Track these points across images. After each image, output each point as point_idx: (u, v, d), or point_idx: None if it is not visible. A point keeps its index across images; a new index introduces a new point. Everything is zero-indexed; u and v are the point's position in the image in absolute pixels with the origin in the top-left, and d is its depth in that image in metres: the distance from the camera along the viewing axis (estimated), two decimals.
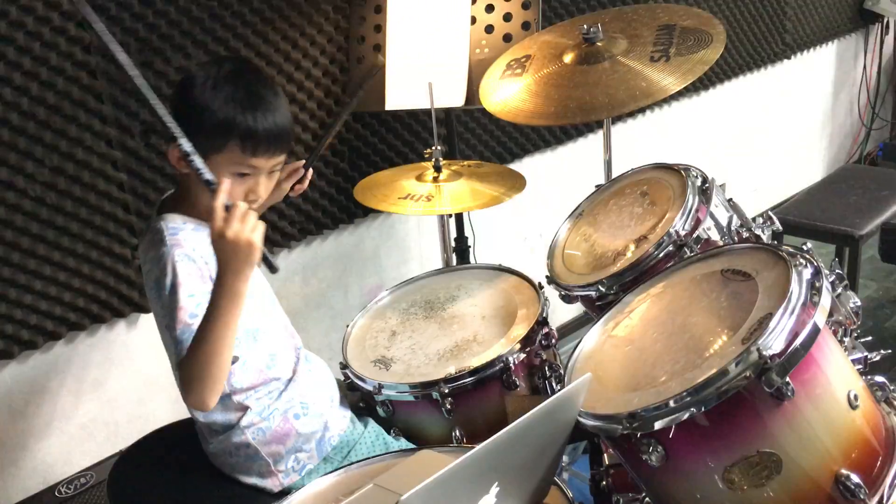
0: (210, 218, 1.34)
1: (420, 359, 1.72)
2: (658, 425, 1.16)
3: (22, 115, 1.91)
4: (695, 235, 1.59)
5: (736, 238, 1.65)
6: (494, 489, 1.05)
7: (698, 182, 1.68)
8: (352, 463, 1.45)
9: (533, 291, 1.82)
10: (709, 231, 1.63)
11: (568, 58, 2.04)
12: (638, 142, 3.31)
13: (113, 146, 2.06)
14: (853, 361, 1.32)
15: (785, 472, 1.14)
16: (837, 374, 1.20)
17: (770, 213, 1.71)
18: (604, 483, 1.52)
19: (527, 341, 1.68)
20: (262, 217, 1.41)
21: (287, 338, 1.67)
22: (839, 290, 1.38)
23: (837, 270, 1.41)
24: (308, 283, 2.58)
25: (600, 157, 2.33)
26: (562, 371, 1.65)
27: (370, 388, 1.67)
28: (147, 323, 2.24)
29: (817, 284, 1.21)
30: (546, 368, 1.70)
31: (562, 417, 1.16)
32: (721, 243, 1.61)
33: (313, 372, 1.68)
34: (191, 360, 1.38)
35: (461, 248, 2.53)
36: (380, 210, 2.14)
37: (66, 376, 2.15)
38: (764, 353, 1.11)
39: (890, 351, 1.46)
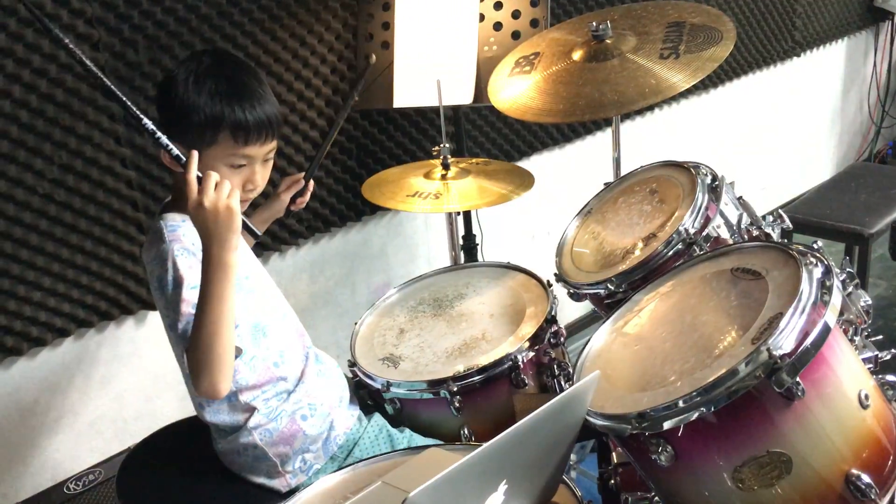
0: (185, 192, 1.34)
1: (428, 357, 1.72)
2: (667, 425, 1.16)
3: (31, 113, 1.91)
4: (704, 233, 1.58)
5: (746, 236, 1.64)
6: (503, 487, 1.05)
7: (708, 180, 1.67)
8: (360, 461, 1.45)
9: (541, 289, 1.82)
10: (718, 229, 1.62)
11: (577, 55, 2.04)
12: (647, 139, 3.30)
13: (122, 143, 2.06)
14: (864, 360, 1.31)
15: (795, 471, 1.13)
16: (848, 373, 1.19)
17: (780, 211, 1.70)
18: (612, 482, 1.52)
19: (535, 339, 1.67)
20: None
21: (296, 337, 1.67)
22: (850, 289, 1.37)
23: (848, 269, 1.40)
24: (315, 280, 2.58)
25: (609, 155, 2.32)
26: (570, 369, 1.65)
27: (378, 386, 1.67)
28: (155, 320, 2.24)
29: (828, 283, 1.20)
30: (555, 367, 1.70)
31: (570, 416, 1.15)
32: (731, 242, 1.61)
33: (324, 373, 1.68)
34: (194, 348, 1.38)
35: (469, 246, 2.53)
36: (388, 207, 2.14)
37: (74, 373, 2.16)
38: (774, 352, 1.11)
39: None
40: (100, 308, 2.12)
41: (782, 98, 3.92)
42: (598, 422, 1.24)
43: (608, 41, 2.01)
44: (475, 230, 2.56)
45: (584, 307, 2.97)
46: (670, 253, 1.58)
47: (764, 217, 1.74)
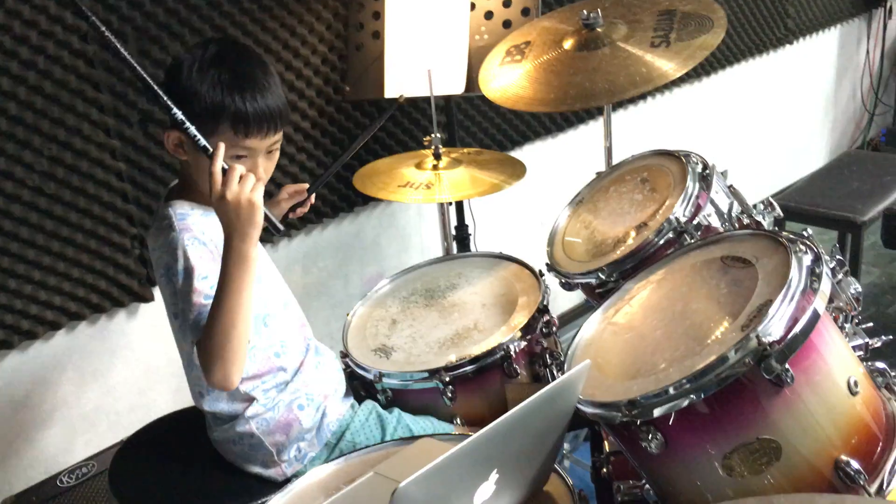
0: (209, 183, 1.34)
1: (421, 347, 1.72)
2: (657, 412, 1.16)
3: (19, 105, 1.90)
4: (695, 222, 1.59)
5: (736, 225, 1.64)
6: (494, 476, 1.05)
7: (699, 168, 1.67)
8: (352, 451, 1.45)
9: (533, 279, 1.82)
10: (709, 218, 1.62)
11: (568, 44, 2.03)
12: (638, 128, 3.30)
13: (111, 135, 2.05)
14: (854, 348, 1.31)
15: (784, 458, 1.13)
16: (837, 360, 1.20)
17: (771, 199, 1.70)
18: (604, 470, 1.52)
19: (527, 329, 1.67)
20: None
21: (297, 328, 1.67)
22: (840, 276, 1.37)
23: (838, 256, 1.40)
24: (308, 272, 2.57)
25: (600, 144, 2.32)
26: (562, 359, 1.65)
27: (371, 376, 1.67)
28: (147, 312, 2.24)
29: (817, 271, 1.20)
30: (547, 356, 1.70)
31: (561, 405, 1.16)
32: (721, 230, 1.61)
33: (322, 365, 1.68)
34: (209, 338, 1.38)
35: (461, 236, 2.53)
36: (379, 198, 2.14)
37: (66, 366, 2.15)
38: (763, 339, 1.11)
39: (891, 337, 1.45)
40: (91, 301, 2.12)
41: (775, 86, 3.92)
42: (589, 410, 1.25)
43: (599, 30, 2.01)
44: (468, 220, 2.55)
45: (577, 297, 2.97)
46: (661, 242, 1.58)
47: (755, 205, 1.74)
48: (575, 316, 3.19)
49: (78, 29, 1.94)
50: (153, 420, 1.83)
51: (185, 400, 1.61)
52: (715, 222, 1.63)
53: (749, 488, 1.16)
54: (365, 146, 2.54)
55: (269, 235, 2.41)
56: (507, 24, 2.24)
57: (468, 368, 1.62)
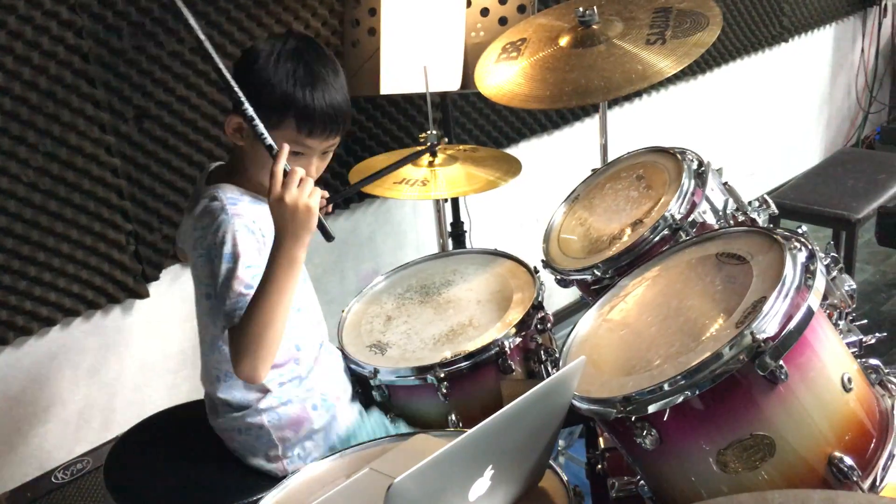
0: (269, 182, 1.36)
1: (416, 343, 1.72)
2: (652, 409, 1.16)
3: (14, 100, 1.90)
4: (690, 219, 1.59)
5: (731, 222, 1.65)
6: (489, 472, 1.06)
7: (694, 165, 1.68)
8: (347, 447, 1.45)
9: (529, 276, 1.82)
10: (704, 215, 1.62)
11: (563, 41, 2.03)
12: (634, 126, 3.30)
13: (106, 131, 2.05)
14: (848, 345, 1.31)
15: (778, 454, 1.14)
16: (831, 356, 1.20)
17: (766, 196, 1.71)
18: (599, 466, 1.52)
19: (522, 325, 1.67)
20: None
21: (314, 326, 1.68)
22: (834, 273, 1.37)
23: (832, 253, 1.40)
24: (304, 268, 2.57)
25: (596, 141, 2.32)
26: (558, 355, 1.65)
27: (366, 372, 1.67)
28: (143, 309, 2.24)
29: (812, 267, 1.21)
30: (542, 353, 1.70)
31: (556, 401, 1.16)
32: (717, 227, 1.61)
33: (332, 363, 1.69)
34: (244, 330, 1.38)
35: (457, 233, 2.53)
36: (375, 195, 2.14)
37: (61, 362, 2.15)
38: (758, 336, 1.11)
39: (885, 334, 1.46)
40: (86, 297, 2.11)
41: (770, 84, 3.93)
42: (584, 406, 1.25)
43: (595, 27, 2.01)
44: (463, 217, 2.56)
45: (572, 294, 2.97)
46: (656, 238, 1.59)
47: (750, 203, 1.75)
48: (570, 312, 3.19)
49: (72, 24, 1.94)
50: (148, 416, 1.83)
51: (180, 396, 1.62)
52: (710, 219, 1.63)
53: (743, 484, 1.16)
54: (360, 142, 2.54)
55: None
56: (503, 21, 2.24)
57: (463, 365, 1.62)
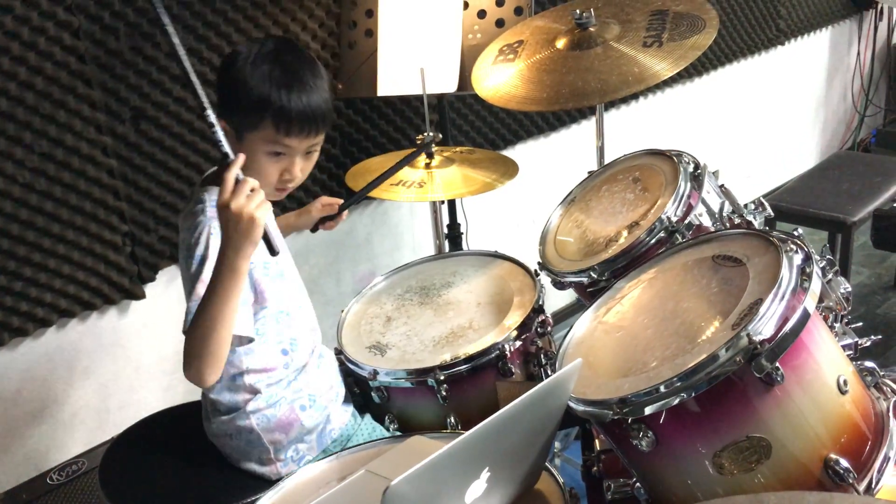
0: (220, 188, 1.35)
1: (415, 345, 1.72)
2: (648, 410, 1.16)
3: (10, 101, 1.90)
4: (686, 221, 1.59)
5: (727, 224, 1.65)
6: (485, 474, 1.06)
7: (690, 168, 1.68)
8: (344, 449, 1.45)
9: (529, 278, 1.82)
10: (700, 217, 1.62)
11: (560, 43, 2.04)
12: (630, 128, 3.31)
13: (103, 132, 2.04)
14: (844, 347, 1.31)
15: (774, 456, 1.14)
16: (827, 359, 1.20)
17: (762, 199, 1.71)
18: (595, 468, 1.52)
19: (523, 328, 1.68)
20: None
21: (308, 331, 1.68)
22: (829, 276, 1.38)
23: (828, 256, 1.41)
24: (300, 269, 2.52)
25: (593, 144, 2.32)
26: None
27: (365, 374, 1.67)
28: (138, 310, 2.23)
29: (808, 270, 1.21)
30: (541, 356, 1.70)
31: (552, 403, 1.16)
32: (713, 229, 1.61)
33: (323, 367, 1.69)
34: (191, 333, 1.39)
35: (454, 235, 2.53)
36: (372, 197, 2.14)
37: (56, 364, 2.14)
38: (754, 338, 1.11)
39: (881, 336, 1.46)
40: (82, 298, 2.11)
41: (766, 87, 3.94)
42: (580, 408, 1.25)
43: (591, 29, 2.01)
44: (460, 219, 2.56)
45: (569, 296, 2.98)
46: (653, 241, 1.59)
47: (746, 205, 1.75)
48: (568, 315, 3.20)
49: (69, 25, 1.93)
50: (143, 417, 1.83)
51: (175, 398, 1.62)
52: (706, 222, 1.63)
53: (739, 486, 1.16)
54: (357, 144, 2.54)
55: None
56: (500, 23, 2.24)
57: (463, 367, 1.62)
